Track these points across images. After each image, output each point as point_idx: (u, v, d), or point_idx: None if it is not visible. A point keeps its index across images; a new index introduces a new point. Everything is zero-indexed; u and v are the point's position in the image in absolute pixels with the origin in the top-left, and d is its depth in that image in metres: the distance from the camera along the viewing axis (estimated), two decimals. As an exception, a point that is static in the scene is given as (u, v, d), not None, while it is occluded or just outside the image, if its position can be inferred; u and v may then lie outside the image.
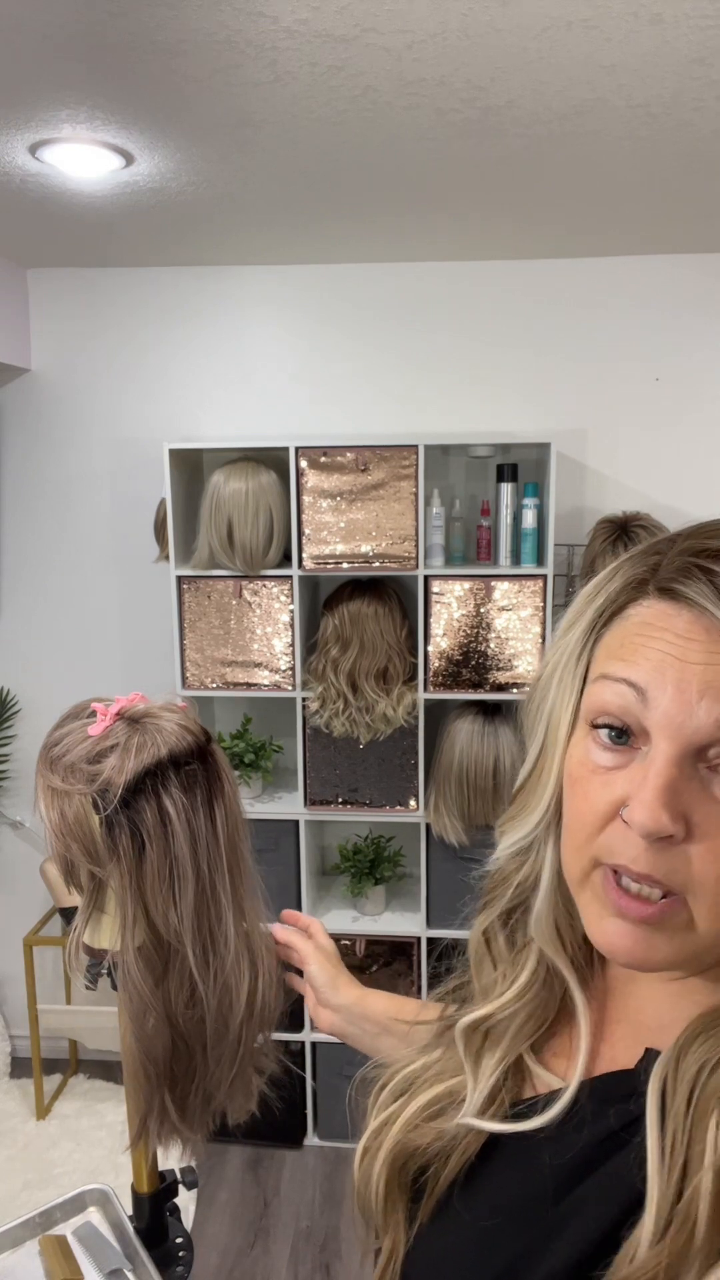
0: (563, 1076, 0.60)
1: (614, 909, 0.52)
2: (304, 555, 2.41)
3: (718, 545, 0.52)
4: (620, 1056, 0.59)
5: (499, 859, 0.66)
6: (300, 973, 1.06)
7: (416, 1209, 0.62)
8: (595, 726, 0.54)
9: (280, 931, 1.05)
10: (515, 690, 2.42)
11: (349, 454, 2.36)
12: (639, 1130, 0.51)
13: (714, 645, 0.49)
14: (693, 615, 0.50)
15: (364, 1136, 0.66)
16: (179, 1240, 1.17)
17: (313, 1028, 2.59)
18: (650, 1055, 0.55)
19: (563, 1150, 0.56)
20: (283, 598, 2.44)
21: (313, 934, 1.06)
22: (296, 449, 2.36)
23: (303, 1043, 2.61)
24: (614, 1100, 0.55)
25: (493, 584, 2.38)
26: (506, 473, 2.43)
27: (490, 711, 2.46)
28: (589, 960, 0.64)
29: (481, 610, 2.39)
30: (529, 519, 2.41)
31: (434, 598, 2.40)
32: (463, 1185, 0.60)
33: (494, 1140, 0.60)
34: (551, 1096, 0.58)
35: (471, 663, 2.42)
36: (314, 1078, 2.65)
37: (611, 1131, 0.54)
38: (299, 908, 2.56)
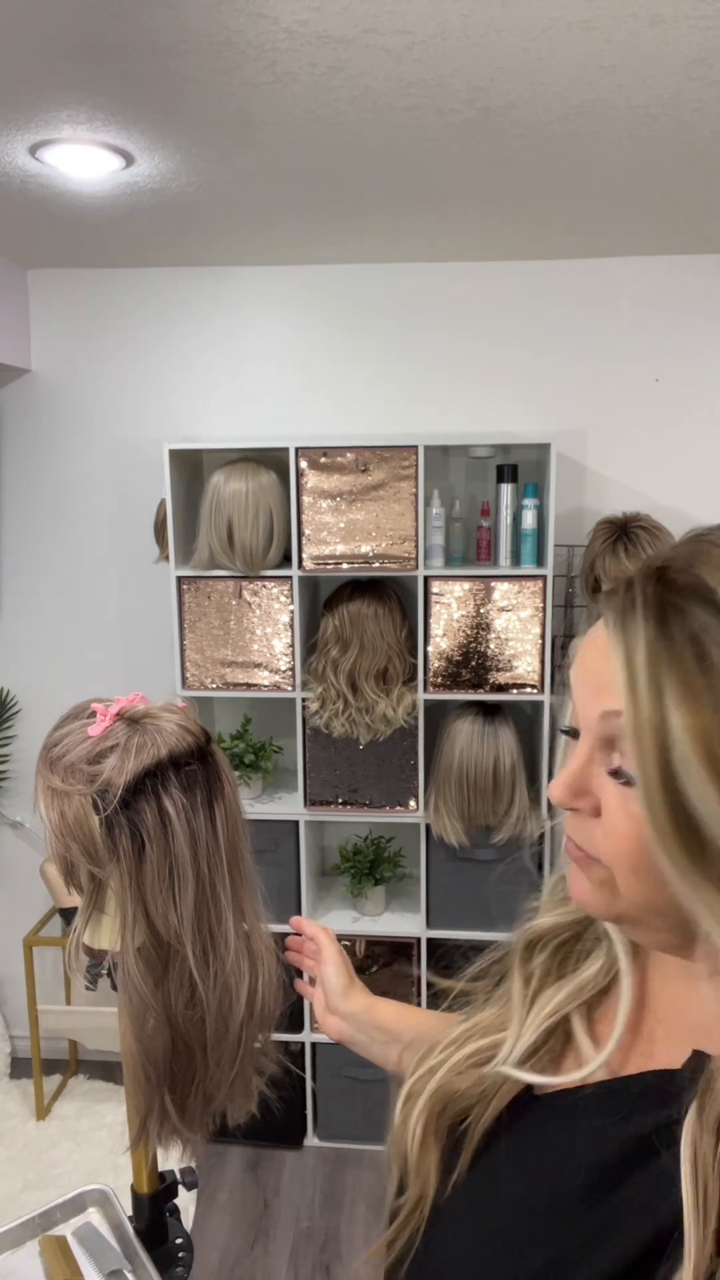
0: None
1: (569, 858, 0.61)
2: (304, 556, 2.41)
3: (632, 567, 0.57)
4: (660, 1054, 0.60)
5: None
6: (303, 976, 1.06)
7: (453, 1159, 0.63)
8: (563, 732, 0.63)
9: (307, 925, 1.05)
10: (515, 691, 2.42)
11: (349, 454, 2.36)
12: (675, 1139, 0.52)
13: (606, 655, 0.55)
14: (604, 630, 0.56)
15: (408, 1081, 0.68)
16: (179, 1241, 1.17)
17: (313, 1028, 2.59)
18: (697, 1058, 0.56)
19: (601, 1143, 0.57)
20: (283, 598, 2.44)
21: (325, 940, 1.06)
22: (296, 449, 2.36)
23: (303, 1043, 2.61)
24: (656, 1098, 0.56)
25: (492, 584, 2.38)
26: (506, 473, 2.43)
27: (490, 712, 2.46)
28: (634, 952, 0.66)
29: (481, 611, 2.39)
30: (529, 519, 2.41)
31: (434, 598, 2.40)
32: (505, 1151, 0.61)
33: (531, 1106, 0.62)
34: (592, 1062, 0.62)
35: (471, 663, 2.42)
36: (314, 1079, 2.65)
37: (649, 1133, 0.55)
38: (299, 908, 2.56)
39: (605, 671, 0.54)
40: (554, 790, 0.58)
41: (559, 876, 0.71)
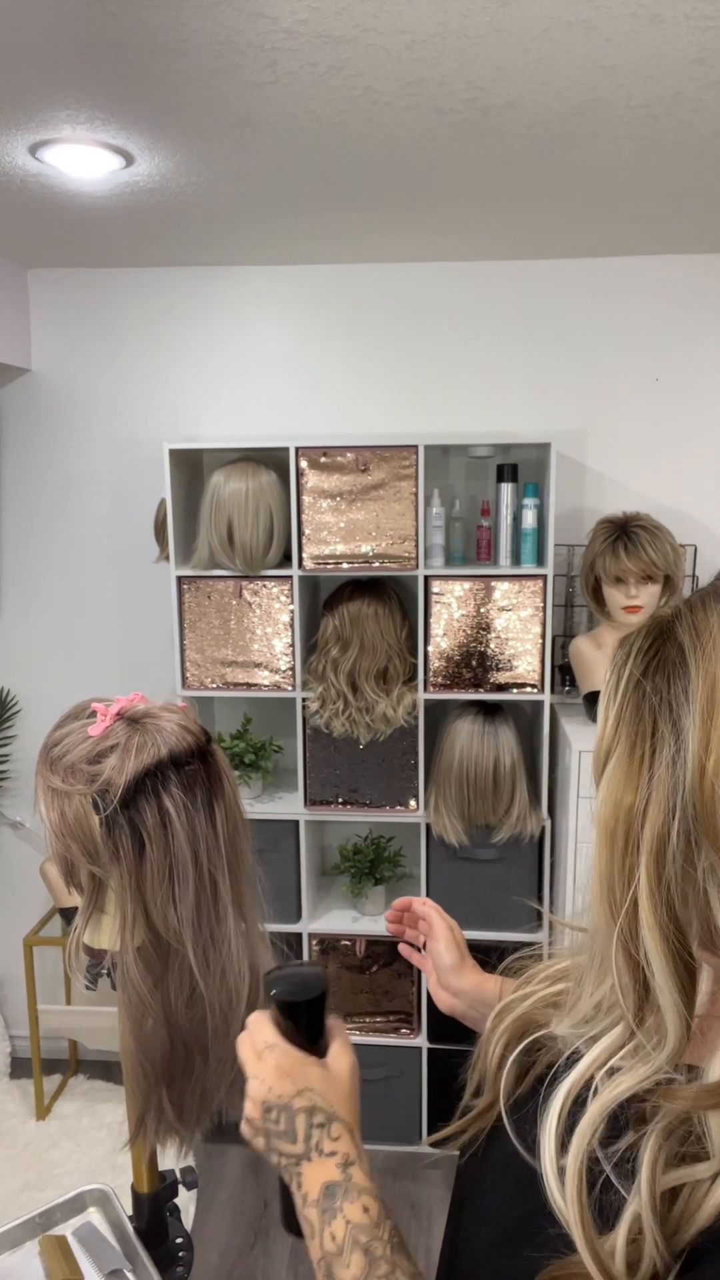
0: None
1: None
2: (304, 555, 2.41)
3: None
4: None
5: None
6: (417, 948, 1.07)
7: (521, 1080, 0.66)
8: None
9: (417, 904, 1.07)
10: (515, 690, 2.42)
11: (349, 454, 2.36)
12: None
13: None
14: None
15: (506, 997, 0.71)
16: (179, 1240, 1.17)
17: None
18: None
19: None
20: (283, 598, 2.44)
21: (420, 915, 1.08)
22: (296, 449, 2.36)
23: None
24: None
25: (493, 584, 2.38)
26: (506, 473, 2.43)
27: (490, 711, 2.46)
28: None
29: (481, 610, 2.39)
30: (529, 519, 2.41)
31: (434, 598, 2.40)
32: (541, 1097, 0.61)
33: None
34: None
35: (471, 663, 2.42)
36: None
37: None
38: (299, 908, 2.56)
39: None
40: None
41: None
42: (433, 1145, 0.66)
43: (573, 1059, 0.58)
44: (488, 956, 0.99)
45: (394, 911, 1.08)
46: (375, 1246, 0.60)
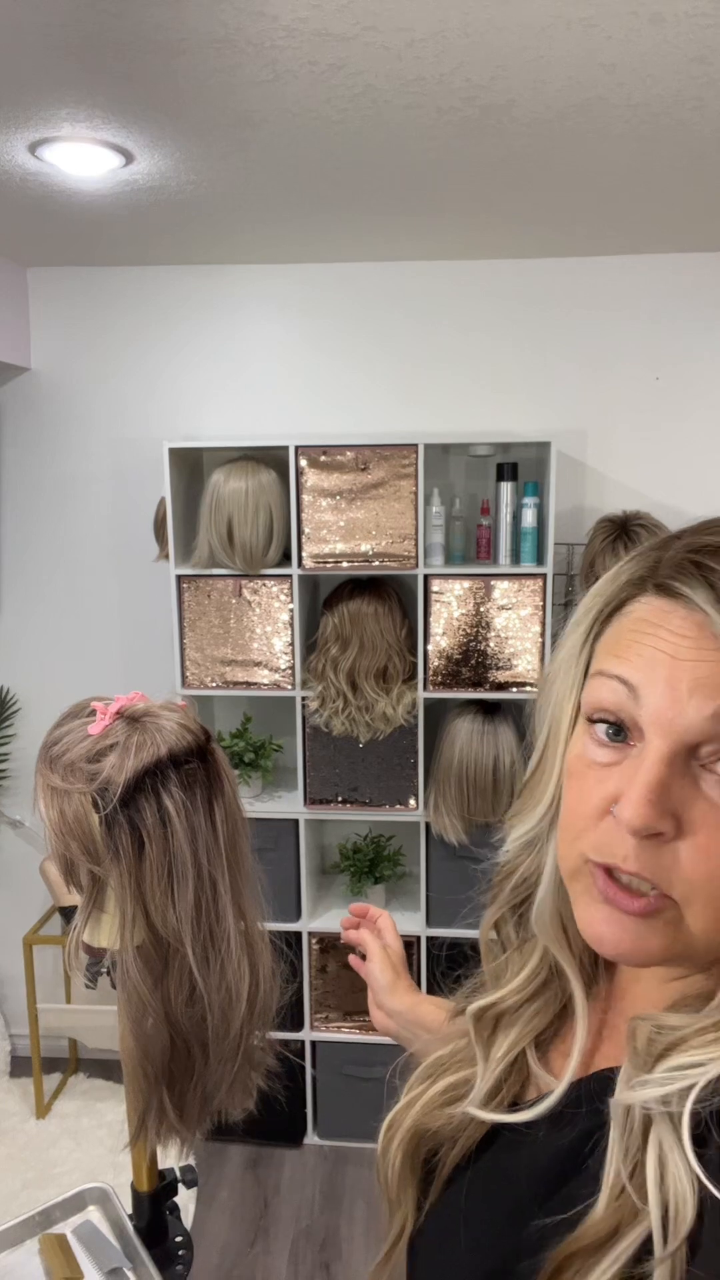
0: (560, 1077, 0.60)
1: (602, 898, 0.52)
2: (304, 554, 2.41)
3: (716, 541, 0.51)
4: (623, 1056, 0.59)
5: (508, 851, 0.67)
6: (364, 957, 1.06)
7: (427, 1189, 0.64)
8: (592, 722, 0.54)
9: (353, 935, 1.06)
10: (515, 689, 2.42)
11: (349, 453, 2.36)
12: (602, 1141, 0.51)
13: (706, 642, 0.49)
14: (686, 612, 0.50)
15: (390, 1113, 0.68)
16: (179, 1239, 1.17)
17: (312, 1027, 2.59)
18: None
19: (547, 1149, 0.56)
20: (282, 597, 2.44)
21: (382, 930, 1.07)
22: (296, 448, 2.36)
23: (302, 1042, 2.61)
24: (599, 1098, 0.55)
25: (492, 583, 2.38)
26: (506, 472, 2.43)
27: (490, 710, 2.46)
28: (595, 960, 0.64)
29: (481, 609, 2.39)
30: (529, 518, 2.41)
31: (434, 597, 2.40)
32: (467, 1175, 0.61)
33: (495, 1133, 0.61)
34: (546, 1095, 0.59)
35: (471, 662, 2.42)
36: (314, 1076, 2.65)
37: (590, 1130, 0.54)
38: (299, 907, 2.56)
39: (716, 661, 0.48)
40: (635, 812, 0.48)
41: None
42: None
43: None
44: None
45: (350, 919, 1.07)
46: None
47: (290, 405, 2.67)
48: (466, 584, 2.39)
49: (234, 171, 1.85)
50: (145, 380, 2.70)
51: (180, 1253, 1.16)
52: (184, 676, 2.51)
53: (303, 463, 2.37)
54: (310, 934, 2.57)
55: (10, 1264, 1.09)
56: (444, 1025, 0.87)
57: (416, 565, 2.38)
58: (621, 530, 2.32)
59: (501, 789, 2.40)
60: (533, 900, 0.63)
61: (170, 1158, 1.11)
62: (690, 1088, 0.47)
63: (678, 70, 1.40)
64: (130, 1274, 1.08)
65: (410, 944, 2.57)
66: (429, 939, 2.55)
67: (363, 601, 2.43)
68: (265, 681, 2.49)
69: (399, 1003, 0.97)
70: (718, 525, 0.53)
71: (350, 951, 1.09)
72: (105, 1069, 2.97)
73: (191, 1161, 1.16)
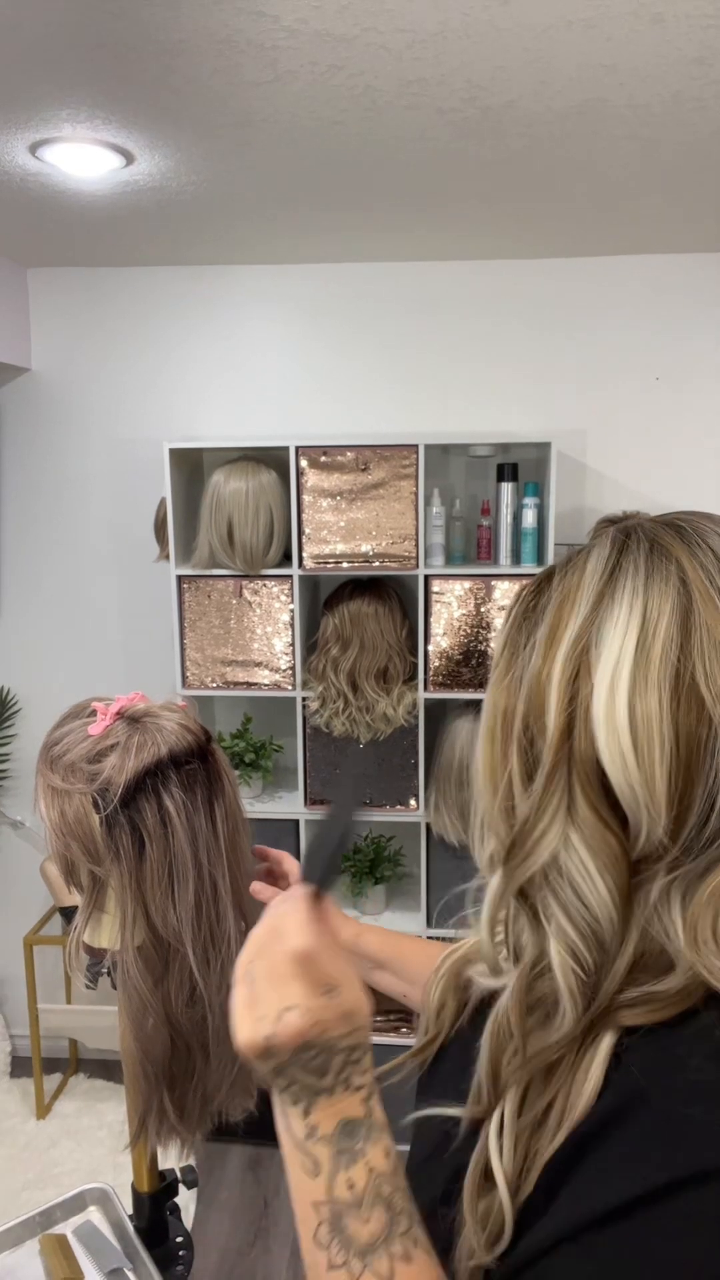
0: None
1: None
2: (304, 555, 2.41)
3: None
4: None
5: None
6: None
7: (460, 1014, 0.76)
8: None
9: (271, 852, 1.07)
10: (515, 690, 2.42)
11: (349, 453, 2.36)
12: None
13: None
14: None
15: (442, 957, 0.80)
16: (179, 1240, 1.17)
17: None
18: None
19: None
20: (283, 597, 2.44)
21: (287, 871, 1.07)
22: (296, 448, 2.36)
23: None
24: None
25: (493, 583, 2.38)
26: (507, 472, 2.43)
27: (490, 711, 2.46)
28: None
29: (481, 610, 2.39)
30: (529, 518, 2.41)
31: (434, 597, 2.40)
32: (483, 1015, 0.69)
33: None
34: None
35: (471, 662, 2.42)
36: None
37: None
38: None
39: None
40: None
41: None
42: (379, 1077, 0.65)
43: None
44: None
45: (258, 880, 1.05)
46: (397, 1200, 0.56)
47: (290, 405, 2.67)
48: (467, 584, 2.39)
49: (234, 172, 1.85)
50: (145, 380, 2.70)
51: (180, 1253, 1.16)
52: (184, 677, 2.51)
53: (303, 463, 2.37)
54: (310, 934, 2.56)
55: (11, 1264, 1.09)
56: (404, 948, 1.03)
57: (417, 566, 2.38)
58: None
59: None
60: None
61: (171, 1158, 1.11)
62: None
63: (678, 71, 1.40)
64: (131, 1274, 1.08)
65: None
66: (429, 939, 2.54)
67: (363, 602, 2.43)
68: (266, 682, 2.49)
69: (345, 932, 0.98)
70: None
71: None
72: (106, 1069, 2.97)
73: (192, 1162, 1.16)
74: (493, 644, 2.40)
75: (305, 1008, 0.57)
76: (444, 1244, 0.58)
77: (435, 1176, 0.65)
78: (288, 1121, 0.58)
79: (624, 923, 0.58)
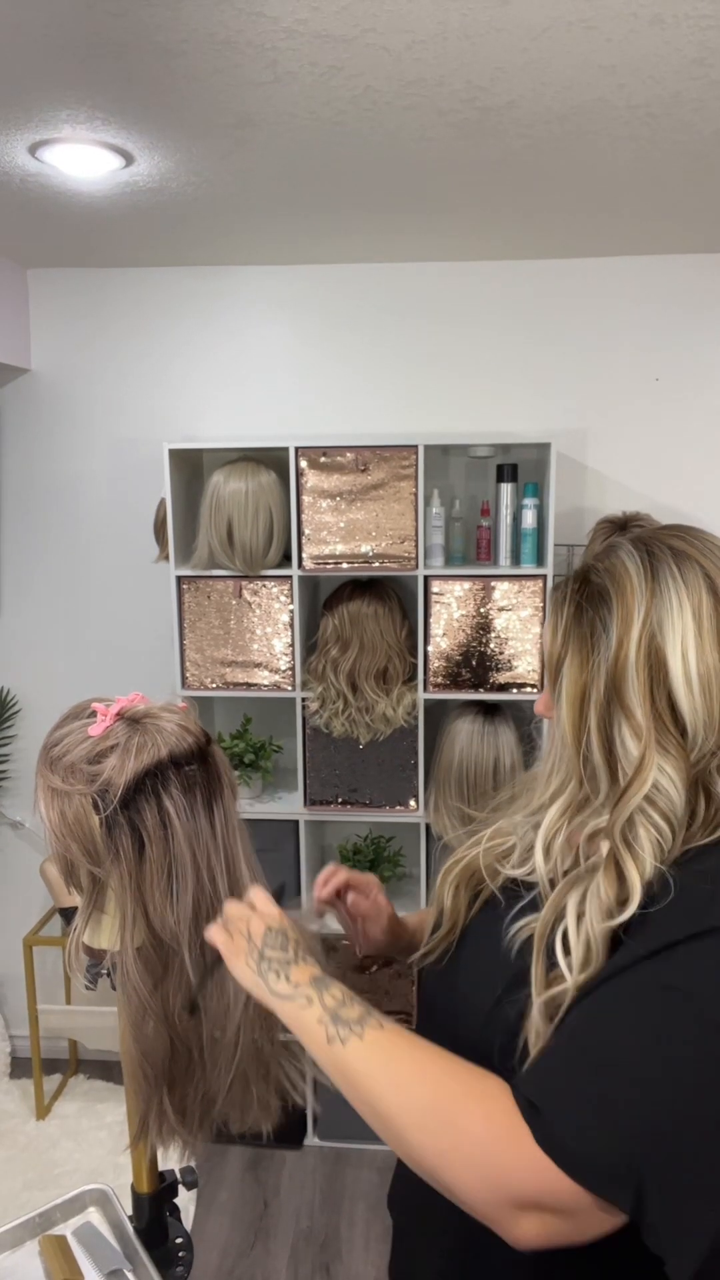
0: None
1: None
2: (304, 555, 2.41)
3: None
4: None
5: None
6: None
7: (473, 905, 0.97)
8: None
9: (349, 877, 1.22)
10: (515, 690, 2.42)
11: (349, 454, 2.36)
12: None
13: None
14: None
15: (453, 858, 1.01)
16: (179, 1240, 1.17)
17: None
18: None
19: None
20: (283, 598, 2.44)
21: (374, 894, 1.23)
22: (296, 449, 2.36)
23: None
24: None
25: (492, 584, 2.38)
26: (506, 473, 2.43)
27: (490, 712, 2.46)
28: None
29: (481, 610, 2.39)
30: (529, 519, 2.41)
31: (434, 598, 2.40)
32: (501, 905, 0.92)
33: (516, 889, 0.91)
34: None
35: (471, 663, 2.42)
36: (314, 1078, 2.65)
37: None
38: (299, 908, 2.56)
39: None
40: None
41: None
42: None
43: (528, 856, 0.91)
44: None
45: (330, 890, 1.21)
46: (365, 1002, 0.85)
47: (290, 406, 2.67)
48: (467, 585, 2.39)
49: (234, 173, 1.85)
50: (145, 381, 2.70)
51: (180, 1254, 1.16)
52: (184, 677, 2.51)
53: (303, 464, 2.37)
54: (310, 935, 2.56)
55: (10, 1265, 1.09)
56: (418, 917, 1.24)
57: (416, 566, 2.38)
58: (621, 531, 2.32)
59: (502, 790, 2.40)
60: None
61: (171, 1159, 1.11)
62: None
63: (678, 71, 1.40)
64: (130, 1275, 1.08)
65: (410, 945, 2.57)
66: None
67: (363, 603, 2.43)
68: (265, 682, 2.49)
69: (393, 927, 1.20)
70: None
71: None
72: (105, 1070, 2.97)
73: (192, 1163, 1.16)
74: (496, 643, 2.40)
75: (266, 911, 0.94)
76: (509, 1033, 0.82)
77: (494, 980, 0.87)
78: (277, 991, 0.86)
79: (686, 804, 0.81)
